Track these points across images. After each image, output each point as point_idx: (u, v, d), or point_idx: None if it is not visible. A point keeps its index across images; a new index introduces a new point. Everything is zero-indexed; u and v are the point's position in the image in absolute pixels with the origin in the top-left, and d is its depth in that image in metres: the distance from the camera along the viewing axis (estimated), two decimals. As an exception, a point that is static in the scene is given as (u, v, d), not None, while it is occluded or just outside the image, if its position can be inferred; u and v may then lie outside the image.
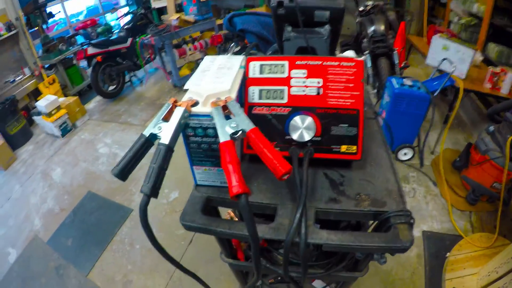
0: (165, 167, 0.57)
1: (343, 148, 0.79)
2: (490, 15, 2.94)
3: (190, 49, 4.33)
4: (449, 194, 2.37)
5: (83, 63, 4.03)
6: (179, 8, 5.32)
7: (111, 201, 2.66)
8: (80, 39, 4.87)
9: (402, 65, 2.98)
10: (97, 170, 3.08)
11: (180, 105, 0.62)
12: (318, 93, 0.78)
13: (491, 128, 2.16)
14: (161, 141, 0.58)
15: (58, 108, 3.60)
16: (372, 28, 3.12)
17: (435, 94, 2.30)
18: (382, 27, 3.09)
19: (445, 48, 2.56)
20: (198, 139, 0.68)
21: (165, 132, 0.59)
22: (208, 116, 0.62)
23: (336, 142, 0.79)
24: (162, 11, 5.77)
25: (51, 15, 4.55)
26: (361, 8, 3.42)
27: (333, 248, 0.68)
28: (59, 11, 5.03)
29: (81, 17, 7.06)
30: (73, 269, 2.19)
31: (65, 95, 4.27)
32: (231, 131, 0.58)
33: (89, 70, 4.12)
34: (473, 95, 3.02)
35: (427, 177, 2.55)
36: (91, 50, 3.96)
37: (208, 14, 4.59)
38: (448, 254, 2.03)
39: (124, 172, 0.58)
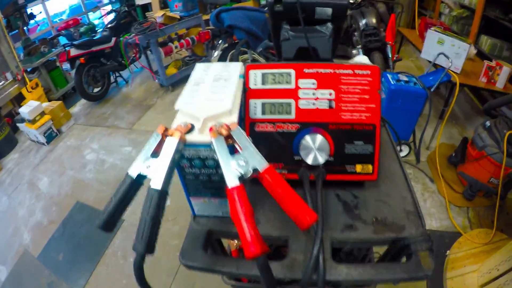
0: (161, 216, 0.49)
1: (358, 168, 0.72)
2: (483, 7, 2.90)
3: (176, 47, 4.18)
4: (446, 190, 2.35)
5: (66, 66, 3.87)
6: (164, 5, 5.15)
7: (101, 211, 2.55)
8: (62, 40, 4.68)
9: (394, 58, 2.93)
10: (85, 178, 2.96)
11: (172, 135, 0.51)
12: (330, 107, 0.69)
13: (488, 123, 2.13)
14: (152, 185, 0.48)
15: (42, 114, 3.46)
16: (364, 21, 3.06)
17: (432, 90, 2.26)
18: (374, 20, 3.03)
19: (440, 42, 2.52)
20: (195, 171, 0.59)
21: (156, 172, 0.49)
22: (208, 146, 0.53)
23: (351, 161, 0.72)
24: (146, 7, 5.58)
25: (32, 16, 4.38)
26: (351, 1, 3.35)
27: (353, 284, 0.62)
28: (41, 12, 4.83)
29: (64, 17, 6.83)
30: (66, 286, 2.11)
31: (49, 99, 4.12)
32: (240, 171, 0.48)
33: (73, 72, 3.96)
34: (466, 88, 3.00)
35: (423, 173, 2.52)
36: (73, 52, 3.80)
37: (194, 10, 4.44)
38: (448, 252, 2.01)
39: (110, 223, 0.50)
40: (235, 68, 0.73)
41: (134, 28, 3.78)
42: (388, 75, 2.34)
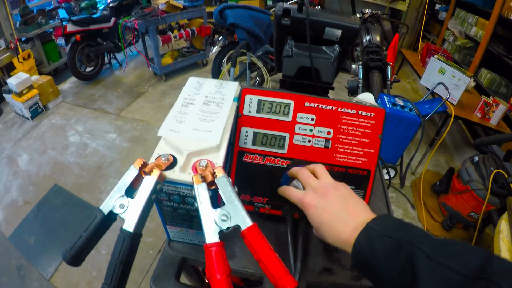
0: (132, 259, 0.45)
1: None
2: (488, 40, 2.91)
3: (175, 37, 4.08)
4: (426, 218, 2.36)
5: (61, 41, 3.74)
6: (170, -8, 5.04)
7: (78, 198, 2.49)
8: (62, 12, 4.53)
9: (392, 79, 2.92)
10: (65, 161, 2.88)
11: (150, 172, 0.47)
12: (326, 146, 0.66)
13: (476, 158, 2.14)
14: (125, 226, 0.44)
15: (30, 87, 3.35)
16: (367, 38, 3.03)
17: (426, 118, 2.25)
18: (378, 38, 3.00)
19: (442, 71, 2.52)
20: (173, 204, 0.56)
21: (130, 212, 0.45)
22: (189, 186, 0.48)
23: None
24: (152, -9, 5.46)
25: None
26: (358, 15, 3.32)
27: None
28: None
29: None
30: (35, 271, 2.04)
31: (40, 72, 4.00)
32: (220, 226, 0.44)
33: (67, 48, 3.84)
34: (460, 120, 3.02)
35: (406, 199, 2.52)
36: (70, 28, 3.67)
37: (198, 1, 4.36)
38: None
39: (78, 258, 0.45)
40: (230, 90, 0.67)
41: (135, 12, 3.67)
42: (384, 97, 2.33)
